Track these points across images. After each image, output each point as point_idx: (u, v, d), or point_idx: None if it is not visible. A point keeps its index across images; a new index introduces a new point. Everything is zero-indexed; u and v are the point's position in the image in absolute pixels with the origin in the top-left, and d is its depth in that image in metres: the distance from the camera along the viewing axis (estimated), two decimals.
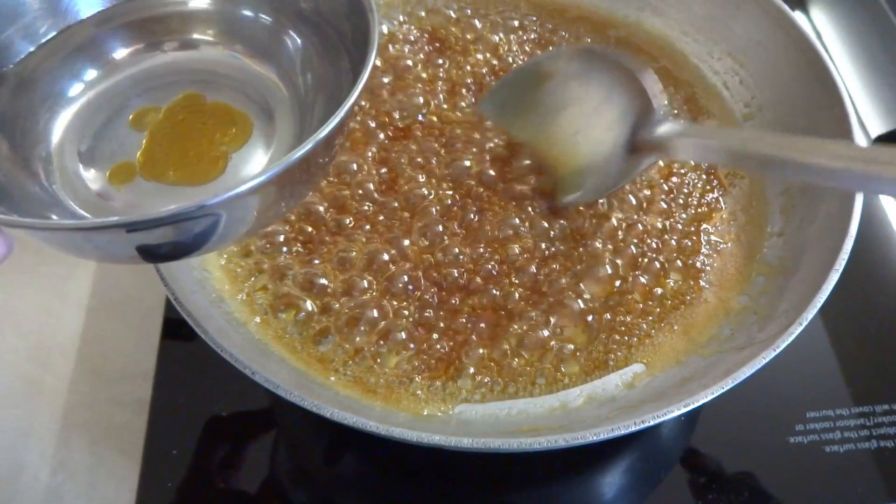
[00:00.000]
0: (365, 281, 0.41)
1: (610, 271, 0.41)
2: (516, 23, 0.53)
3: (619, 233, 0.43)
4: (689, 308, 0.41)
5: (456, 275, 0.41)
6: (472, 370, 0.39)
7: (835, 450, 0.42)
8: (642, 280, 0.42)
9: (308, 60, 0.34)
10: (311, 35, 0.34)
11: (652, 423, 0.32)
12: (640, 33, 0.53)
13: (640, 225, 0.43)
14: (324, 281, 0.41)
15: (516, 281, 0.41)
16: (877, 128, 0.58)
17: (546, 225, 0.43)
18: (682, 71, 0.51)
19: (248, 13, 0.35)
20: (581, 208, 0.43)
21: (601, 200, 0.44)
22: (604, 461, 0.43)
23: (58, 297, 0.51)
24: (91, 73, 0.34)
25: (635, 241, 0.43)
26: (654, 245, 0.43)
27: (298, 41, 0.35)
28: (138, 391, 0.46)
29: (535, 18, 0.53)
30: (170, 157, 0.32)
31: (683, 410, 0.32)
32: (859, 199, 0.38)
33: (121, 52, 0.35)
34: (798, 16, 0.55)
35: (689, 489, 0.41)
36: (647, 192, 0.45)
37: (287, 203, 0.31)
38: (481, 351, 0.39)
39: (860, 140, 0.40)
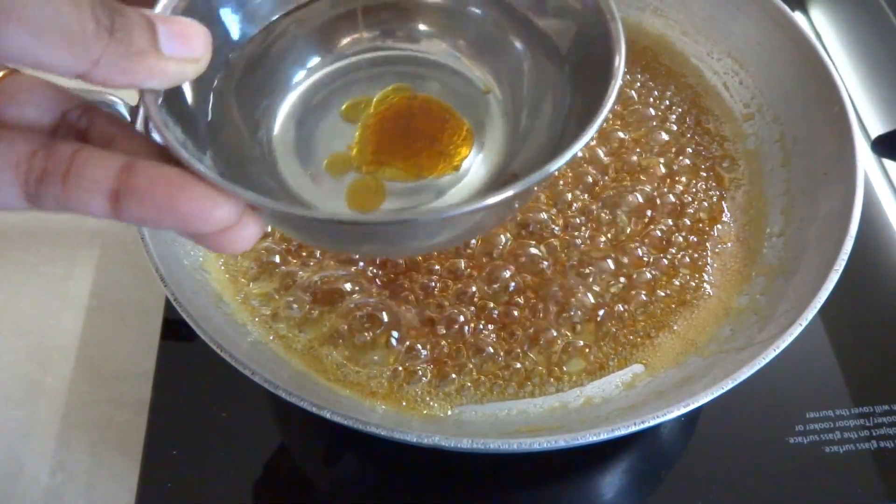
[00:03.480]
0: (367, 281, 0.41)
1: (613, 267, 0.42)
2: None
3: (625, 232, 0.43)
4: (689, 308, 0.41)
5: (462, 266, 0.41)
6: (473, 366, 0.39)
7: (835, 450, 0.42)
8: (648, 276, 0.42)
9: (527, 69, 0.33)
10: (537, 44, 0.32)
11: (652, 423, 0.32)
12: (640, 34, 0.53)
13: (648, 224, 0.43)
14: (325, 280, 0.41)
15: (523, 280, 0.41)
16: (877, 128, 0.58)
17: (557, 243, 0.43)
18: (682, 71, 0.51)
19: (476, 10, 0.33)
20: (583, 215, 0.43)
21: (603, 211, 0.44)
22: (604, 461, 0.43)
23: (58, 297, 0.51)
24: (314, 60, 0.33)
25: (640, 241, 0.43)
26: (658, 245, 0.43)
27: (521, 47, 0.33)
28: (138, 391, 0.46)
29: None
30: (380, 151, 0.31)
31: (683, 410, 0.32)
32: (859, 200, 0.38)
33: (344, 40, 0.34)
34: (798, 16, 0.55)
35: (689, 489, 0.41)
36: (648, 194, 0.45)
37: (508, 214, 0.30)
38: (490, 350, 0.39)
39: (860, 140, 0.40)
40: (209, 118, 0.28)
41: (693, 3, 0.51)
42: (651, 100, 0.50)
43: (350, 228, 0.26)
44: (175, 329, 0.47)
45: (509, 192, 0.24)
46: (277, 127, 0.32)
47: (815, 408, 0.44)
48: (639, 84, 0.51)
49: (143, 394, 0.45)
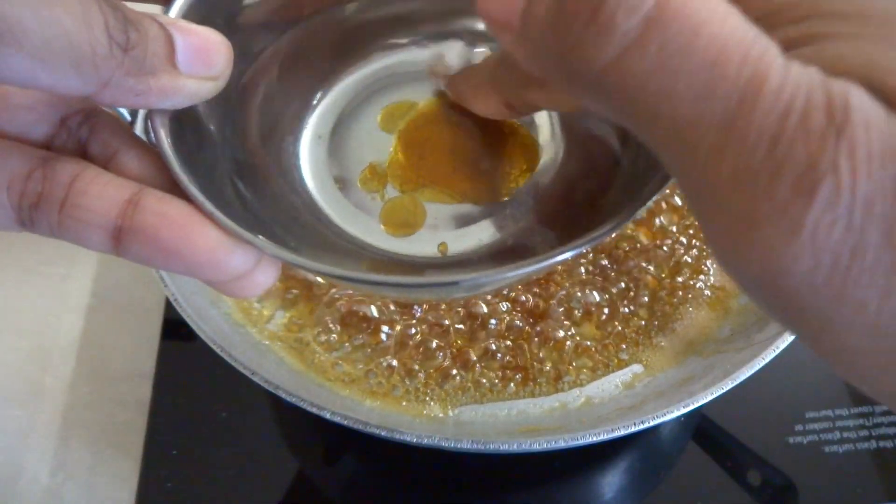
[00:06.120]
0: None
1: (616, 266, 0.42)
2: None
3: (628, 231, 0.43)
4: (689, 309, 0.41)
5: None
6: (477, 366, 0.39)
7: (834, 450, 0.42)
8: (649, 277, 0.42)
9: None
10: None
11: (652, 423, 0.32)
12: None
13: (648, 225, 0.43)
14: (320, 280, 0.41)
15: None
16: None
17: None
18: None
19: None
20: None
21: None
22: (604, 461, 0.43)
23: (58, 297, 0.51)
24: (342, 64, 0.30)
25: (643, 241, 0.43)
26: (658, 245, 0.43)
27: None
28: (138, 391, 0.46)
29: None
30: (421, 168, 0.28)
31: (683, 411, 0.32)
32: None
33: (373, 47, 0.30)
34: None
35: (689, 489, 0.41)
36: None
37: None
38: (493, 347, 0.39)
39: None
40: (224, 132, 0.26)
41: None
42: None
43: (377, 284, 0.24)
44: (175, 329, 0.47)
45: (561, 257, 0.21)
46: (305, 137, 0.29)
47: (815, 408, 0.44)
48: None
49: (143, 394, 0.45)
